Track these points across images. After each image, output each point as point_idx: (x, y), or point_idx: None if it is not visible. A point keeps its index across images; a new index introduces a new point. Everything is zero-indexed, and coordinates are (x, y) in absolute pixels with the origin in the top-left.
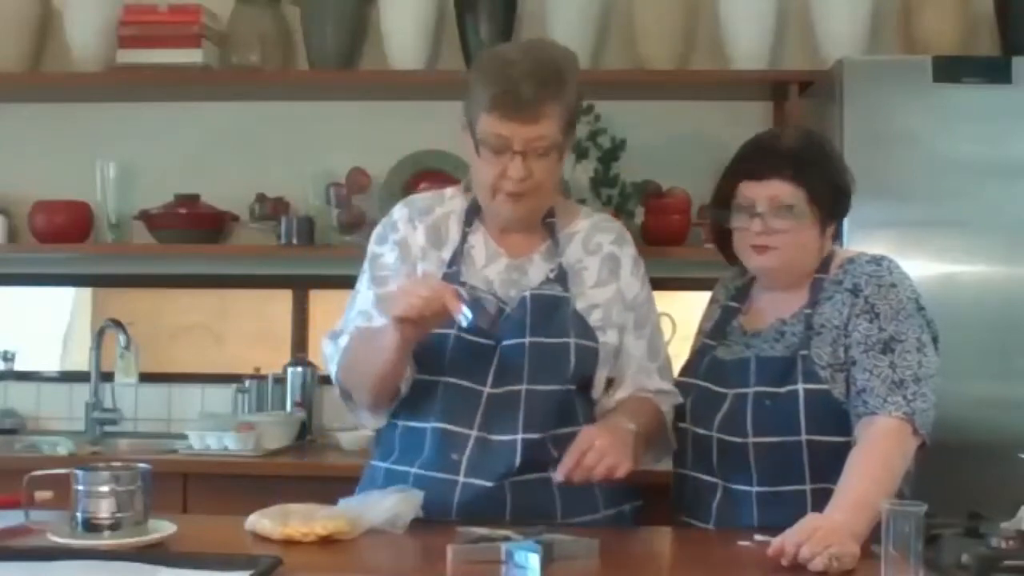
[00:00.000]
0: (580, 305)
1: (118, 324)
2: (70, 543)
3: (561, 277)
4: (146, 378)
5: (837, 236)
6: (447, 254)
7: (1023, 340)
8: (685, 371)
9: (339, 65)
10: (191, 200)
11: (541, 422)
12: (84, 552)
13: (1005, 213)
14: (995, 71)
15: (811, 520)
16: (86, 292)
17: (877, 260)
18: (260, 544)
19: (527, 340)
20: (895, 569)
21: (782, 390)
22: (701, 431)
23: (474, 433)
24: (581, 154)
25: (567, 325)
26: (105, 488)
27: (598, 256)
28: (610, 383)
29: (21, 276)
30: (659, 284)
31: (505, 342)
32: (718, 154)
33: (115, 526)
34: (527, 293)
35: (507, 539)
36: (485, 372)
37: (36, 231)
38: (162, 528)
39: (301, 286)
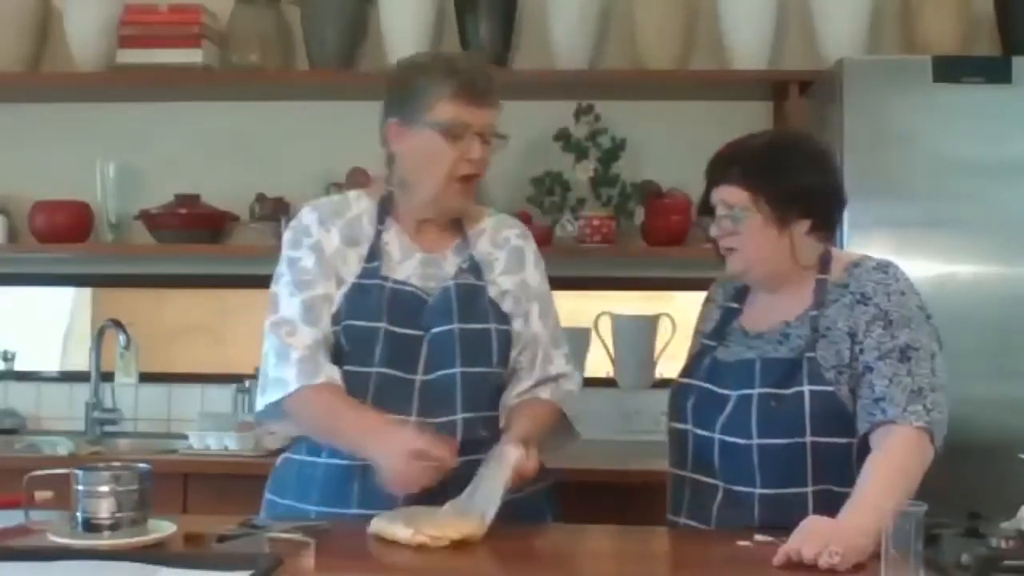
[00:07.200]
0: (492, 292)
1: (118, 324)
2: (70, 543)
3: (474, 268)
4: (146, 378)
5: (826, 233)
6: (364, 250)
7: (1023, 340)
8: (685, 373)
9: (339, 65)
10: (191, 200)
11: (478, 403)
12: (84, 552)
13: (1005, 213)
14: (995, 71)
15: (809, 522)
16: (86, 292)
17: (883, 267)
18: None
19: (456, 327)
20: (895, 569)
21: (787, 392)
22: (702, 432)
23: (412, 419)
24: (581, 154)
25: (487, 312)
26: (105, 488)
27: (505, 248)
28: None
29: (21, 276)
30: (659, 284)
31: (434, 330)
32: None
33: (115, 526)
34: (450, 283)
35: None
36: (415, 361)
37: (36, 231)
38: (162, 528)
39: None
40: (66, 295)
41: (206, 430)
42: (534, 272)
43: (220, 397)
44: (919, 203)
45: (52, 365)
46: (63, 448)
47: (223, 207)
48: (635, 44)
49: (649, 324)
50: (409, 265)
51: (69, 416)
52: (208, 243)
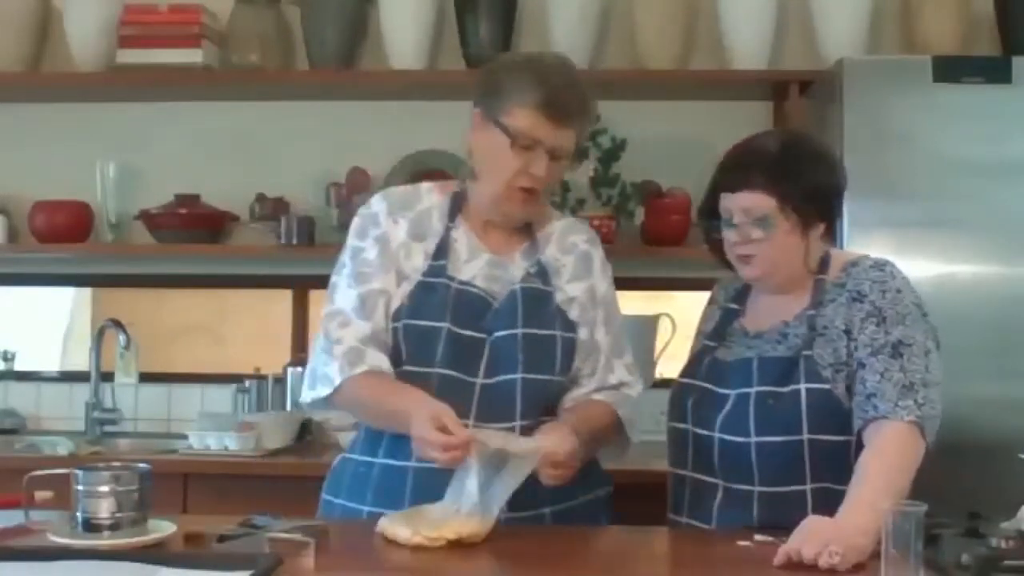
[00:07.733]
0: (559, 299)
1: (118, 324)
2: (70, 543)
3: (541, 273)
4: (146, 378)
5: (831, 234)
6: (431, 247)
7: (1023, 340)
8: (685, 373)
9: (339, 65)
10: (191, 200)
11: (538, 410)
12: (84, 552)
13: (1005, 213)
14: (995, 71)
15: (808, 522)
16: (86, 292)
17: (880, 266)
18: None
19: (520, 331)
20: (895, 569)
21: (785, 390)
22: (702, 431)
23: (471, 424)
24: (581, 154)
25: (553, 318)
26: (105, 488)
27: (573, 254)
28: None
29: (21, 276)
30: (659, 284)
31: (497, 333)
32: (718, 154)
33: (115, 526)
34: (517, 286)
35: None
36: (476, 364)
37: (36, 231)
38: (162, 528)
39: (301, 286)
40: (66, 295)
41: (206, 430)
42: (601, 278)
43: (220, 397)
44: (919, 203)
45: (52, 365)
46: (63, 448)
47: (223, 207)
48: (635, 44)
49: (649, 324)
50: (475, 265)
51: (69, 416)
52: (208, 243)
